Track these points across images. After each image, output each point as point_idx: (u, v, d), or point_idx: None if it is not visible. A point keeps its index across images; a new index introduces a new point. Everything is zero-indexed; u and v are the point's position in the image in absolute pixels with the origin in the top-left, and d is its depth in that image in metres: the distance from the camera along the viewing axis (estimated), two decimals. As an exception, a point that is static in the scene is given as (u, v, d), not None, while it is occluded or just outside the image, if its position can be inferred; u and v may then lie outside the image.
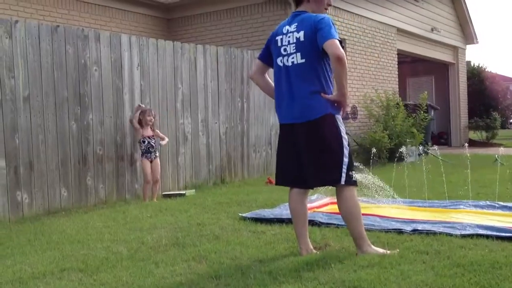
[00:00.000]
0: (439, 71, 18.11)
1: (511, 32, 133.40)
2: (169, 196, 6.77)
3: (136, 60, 6.96)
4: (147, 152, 6.65)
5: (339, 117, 3.49)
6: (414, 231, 4.07)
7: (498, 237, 3.79)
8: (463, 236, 3.87)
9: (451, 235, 3.91)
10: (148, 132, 6.69)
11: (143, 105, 6.82)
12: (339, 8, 11.64)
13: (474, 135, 19.43)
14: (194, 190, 7.19)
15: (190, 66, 7.75)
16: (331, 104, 3.43)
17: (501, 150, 8.29)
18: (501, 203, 5.21)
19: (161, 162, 6.95)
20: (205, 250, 3.69)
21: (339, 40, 3.36)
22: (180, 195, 6.78)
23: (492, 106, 19.72)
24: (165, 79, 7.35)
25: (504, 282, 2.78)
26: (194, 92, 7.79)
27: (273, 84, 3.78)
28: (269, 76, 3.85)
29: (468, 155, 5.63)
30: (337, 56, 3.29)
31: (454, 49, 17.80)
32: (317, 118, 3.40)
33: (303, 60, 3.43)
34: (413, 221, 4.44)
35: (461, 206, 5.24)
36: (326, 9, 3.67)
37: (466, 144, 5.04)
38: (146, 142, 6.65)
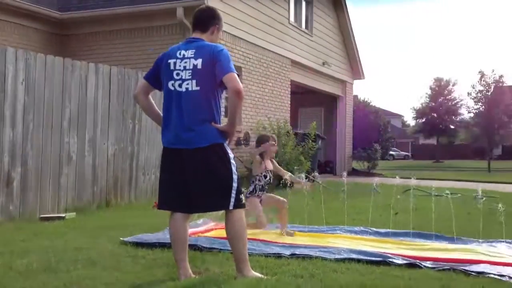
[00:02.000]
0: (328, 103, 19.07)
1: (394, 70, 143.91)
2: (46, 219, 6.42)
3: (21, 74, 6.61)
4: (262, 189, 5.45)
5: (226, 145, 3.57)
6: (293, 255, 4.21)
7: (368, 261, 4.03)
8: (337, 260, 4.06)
9: (326, 259, 4.10)
10: (269, 165, 5.53)
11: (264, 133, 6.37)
12: (236, 36, 11.91)
13: (357, 164, 20.57)
14: (74, 213, 6.88)
15: (81, 84, 7.50)
16: (220, 133, 3.50)
17: (376, 180, 8.83)
18: (374, 229, 5.54)
19: (40, 183, 6.60)
20: (78, 276, 3.54)
21: (237, 74, 3.47)
22: (59, 218, 6.46)
23: (374, 138, 21.02)
24: (52, 95, 7.04)
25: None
26: (83, 111, 7.53)
27: (155, 106, 3.78)
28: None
29: (345, 183, 5.95)
30: (237, 90, 3.38)
31: (343, 83, 18.87)
32: (207, 146, 3.45)
33: (198, 88, 3.46)
34: (292, 246, 4.59)
35: (338, 231, 5.51)
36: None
37: (344, 173, 5.35)
38: (268, 177, 5.46)
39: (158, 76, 3.67)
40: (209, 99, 3.47)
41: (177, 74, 3.51)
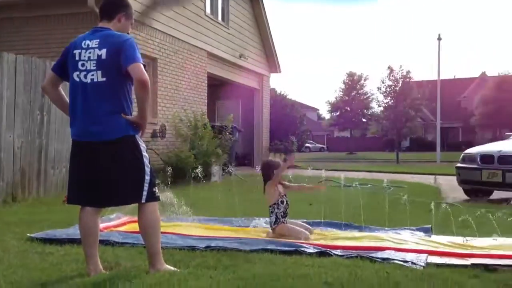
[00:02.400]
0: (246, 95, 19.19)
1: (310, 63, 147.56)
2: None
3: None
4: (284, 215, 4.99)
5: (138, 137, 3.49)
6: (207, 247, 4.21)
7: (282, 251, 4.11)
8: (252, 251, 4.12)
9: (241, 250, 4.14)
10: (281, 189, 5.11)
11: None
12: (151, 27, 11.68)
13: (274, 157, 20.91)
14: (-23, 209, 6.48)
15: (-18, 73, 7.05)
16: (132, 125, 3.42)
17: (292, 171, 9.05)
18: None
19: None
20: (-20, 275, 3.34)
21: (143, 64, 3.38)
22: (-39, 214, 6.06)
23: (291, 130, 21.49)
24: (-52, 84, 6.56)
25: (279, 292, 3.01)
26: (-16, 101, 7.09)
27: (65, 98, 3.63)
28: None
29: (255, 174, 6.04)
30: (142, 81, 3.30)
31: (260, 76, 19.07)
32: (118, 138, 3.37)
33: (104, 79, 3.35)
34: (207, 238, 4.59)
35: (254, 223, 5.58)
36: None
37: (257, 167, 5.40)
38: (285, 201, 5.04)
39: (65, 67, 3.53)
40: (116, 90, 3.38)
41: (82, 65, 3.40)
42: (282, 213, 4.94)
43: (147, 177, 3.44)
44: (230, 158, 13.09)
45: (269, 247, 4.22)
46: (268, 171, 5.03)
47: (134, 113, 3.49)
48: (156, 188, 3.52)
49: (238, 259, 3.85)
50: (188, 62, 13.48)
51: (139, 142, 3.48)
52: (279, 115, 20.93)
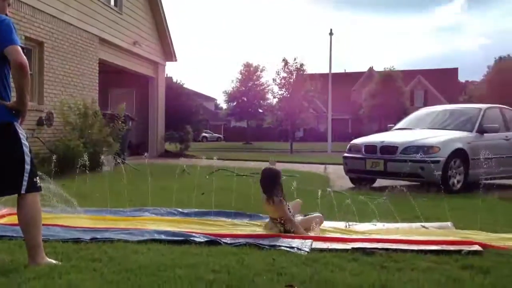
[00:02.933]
0: (141, 84, 18.76)
1: (206, 52, 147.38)
2: None
3: None
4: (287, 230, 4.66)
5: (18, 124, 3.30)
6: (93, 239, 4.08)
7: (171, 241, 4.08)
8: (139, 242, 4.04)
9: (128, 241, 4.05)
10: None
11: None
12: (37, 9, 11.00)
13: (170, 146, 20.69)
14: None
15: None
16: (10, 111, 3.25)
17: (184, 160, 9.00)
18: (179, 209, 5.63)
19: None
20: None
21: (21, 47, 3.20)
22: None
23: (187, 120, 21.28)
24: None
25: (166, 284, 2.97)
26: None
27: None
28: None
29: (149, 164, 5.93)
30: (20, 63, 3.15)
31: (155, 64, 18.70)
32: None
33: None
34: (93, 230, 4.44)
35: (146, 214, 5.49)
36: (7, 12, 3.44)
37: (146, 154, 5.30)
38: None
39: None
40: None
41: None
42: (283, 229, 4.57)
43: (27, 167, 3.28)
44: (123, 147, 12.73)
45: (157, 237, 4.17)
46: (274, 180, 4.69)
47: (14, 98, 3.30)
48: (37, 178, 3.37)
49: (126, 250, 3.77)
50: (78, 47, 12.87)
51: (18, 130, 3.30)
52: (175, 104, 20.63)
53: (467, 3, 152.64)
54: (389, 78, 45.85)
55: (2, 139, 3.22)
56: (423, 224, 5.04)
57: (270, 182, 4.69)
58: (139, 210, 5.67)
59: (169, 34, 19.11)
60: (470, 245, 4.07)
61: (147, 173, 6.68)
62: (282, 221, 4.58)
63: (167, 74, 21.47)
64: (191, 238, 4.15)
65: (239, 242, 4.08)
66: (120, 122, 12.05)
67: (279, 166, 10.76)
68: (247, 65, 49.65)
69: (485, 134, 9.36)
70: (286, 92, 33.18)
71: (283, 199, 4.64)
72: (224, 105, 56.53)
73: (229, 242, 4.12)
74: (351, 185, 9.69)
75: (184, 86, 23.52)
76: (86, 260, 3.46)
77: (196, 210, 5.55)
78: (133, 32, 16.32)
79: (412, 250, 3.92)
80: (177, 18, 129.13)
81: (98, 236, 4.16)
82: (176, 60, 19.94)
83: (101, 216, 5.35)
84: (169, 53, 19.51)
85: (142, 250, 3.79)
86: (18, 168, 3.25)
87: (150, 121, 18.73)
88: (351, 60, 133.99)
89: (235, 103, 49.83)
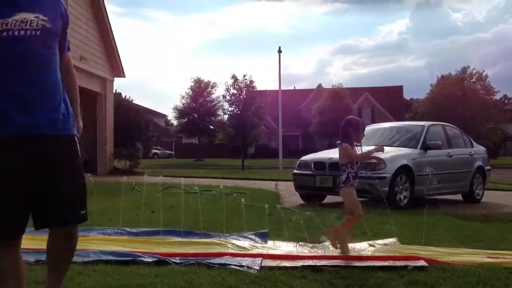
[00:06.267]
0: (89, 100, 18.36)
1: (155, 69, 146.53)
2: None
3: None
4: (355, 177, 4.79)
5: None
6: (37, 261, 3.93)
7: (118, 262, 3.98)
8: (85, 263, 3.93)
9: (73, 262, 3.91)
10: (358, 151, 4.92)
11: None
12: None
13: (119, 163, 20.31)
14: None
15: None
16: (75, 123, 2.81)
17: (134, 178, 8.85)
18: (127, 229, 5.50)
19: None
20: None
21: None
22: None
23: (136, 136, 20.94)
24: None
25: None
26: None
27: None
28: None
29: (93, 182, 5.79)
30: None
31: (103, 80, 18.39)
32: None
33: None
34: (37, 252, 4.26)
35: (92, 233, 5.34)
36: None
37: (90, 175, 5.16)
38: (358, 163, 4.88)
39: None
40: None
41: None
42: (353, 174, 4.76)
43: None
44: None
45: (104, 257, 4.07)
46: (348, 128, 4.81)
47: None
48: None
49: (70, 272, 3.62)
50: None
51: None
52: (125, 120, 20.30)
53: (411, 22, 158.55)
54: (337, 95, 46.86)
55: (69, 154, 2.72)
56: (370, 242, 5.12)
57: (344, 129, 4.82)
58: (84, 229, 5.51)
59: (117, 49, 18.88)
60: (416, 261, 4.17)
61: (93, 192, 6.53)
62: (348, 166, 4.72)
63: (116, 90, 21.15)
64: (139, 258, 4.07)
65: (188, 261, 4.04)
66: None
67: (230, 183, 10.68)
68: (198, 81, 49.54)
69: (428, 151, 9.66)
70: (237, 109, 33.25)
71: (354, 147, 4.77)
72: (175, 122, 56.10)
73: (178, 261, 4.06)
74: (301, 201, 9.77)
75: (134, 102, 23.20)
76: (30, 283, 3.32)
77: (145, 229, 5.45)
78: (79, 48, 16.00)
79: (360, 267, 3.98)
80: (125, 34, 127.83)
81: (43, 258, 4.01)
82: (124, 76, 19.70)
83: (44, 237, 5.16)
84: (117, 69, 19.25)
85: (87, 271, 3.69)
86: (83, 191, 2.78)
87: (99, 138, 18.36)
88: (301, 77, 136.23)
89: (186, 119, 49.50)
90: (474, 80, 43.29)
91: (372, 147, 5.16)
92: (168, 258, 4.12)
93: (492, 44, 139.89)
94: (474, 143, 11.32)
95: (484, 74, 43.35)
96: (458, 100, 38.95)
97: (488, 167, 11.29)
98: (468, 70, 43.37)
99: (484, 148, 11.74)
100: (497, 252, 4.73)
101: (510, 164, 37.09)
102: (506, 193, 13.08)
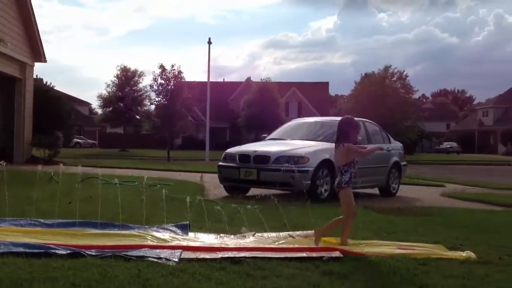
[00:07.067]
0: (6, 85, 17.44)
1: (81, 56, 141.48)
2: None
3: None
4: (355, 176, 4.92)
5: None
6: None
7: (29, 254, 3.82)
8: (-6, 256, 3.74)
9: (-20, 256, 3.72)
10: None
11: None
12: None
13: (38, 152, 19.43)
14: None
15: None
16: None
17: (53, 167, 8.50)
18: (42, 220, 5.28)
19: None
20: None
21: None
22: None
23: (57, 124, 20.09)
24: None
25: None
26: None
27: None
28: None
29: (10, 171, 5.49)
30: None
31: (22, 64, 17.50)
32: None
33: None
34: None
35: (3, 224, 5.09)
36: None
37: (2, 162, 4.89)
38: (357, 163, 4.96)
39: None
40: None
41: None
42: (355, 174, 4.88)
43: None
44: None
45: (15, 249, 3.89)
46: (349, 128, 4.90)
47: None
48: None
49: (-24, 265, 3.46)
50: None
51: None
52: (45, 107, 19.41)
53: (339, 20, 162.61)
54: (265, 89, 47.27)
55: None
56: (290, 233, 5.22)
57: (342, 128, 4.92)
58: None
59: (38, 33, 18.02)
60: (331, 252, 4.31)
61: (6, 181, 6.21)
62: (351, 166, 4.80)
63: (37, 76, 20.22)
64: (52, 251, 3.92)
65: (104, 254, 3.94)
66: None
67: (155, 174, 10.48)
68: (124, 69, 48.07)
69: (350, 146, 9.96)
70: (164, 99, 32.75)
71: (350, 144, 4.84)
72: (99, 110, 54.30)
73: (94, 254, 3.95)
74: (226, 194, 9.79)
75: (55, 88, 22.26)
76: None
77: (60, 220, 5.25)
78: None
79: (278, 258, 4.05)
80: (47, 17, 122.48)
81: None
82: (45, 61, 18.85)
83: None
84: (38, 53, 18.36)
85: (-4, 264, 3.51)
86: None
87: (16, 124, 17.47)
88: (231, 69, 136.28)
89: (111, 108, 47.99)
90: (395, 79, 45.02)
91: (373, 146, 5.47)
92: (83, 250, 4.00)
93: (413, 45, 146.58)
94: (391, 139, 11.79)
95: (404, 73, 45.20)
96: (380, 98, 40.38)
97: (404, 163, 11.81)
98: (390, 69, 45.03)
99: (401, 144, 12.27)
100: (407, 244, 4.97)
101: (425, 160, 39.10)
102: (420, 187, 13.76)
